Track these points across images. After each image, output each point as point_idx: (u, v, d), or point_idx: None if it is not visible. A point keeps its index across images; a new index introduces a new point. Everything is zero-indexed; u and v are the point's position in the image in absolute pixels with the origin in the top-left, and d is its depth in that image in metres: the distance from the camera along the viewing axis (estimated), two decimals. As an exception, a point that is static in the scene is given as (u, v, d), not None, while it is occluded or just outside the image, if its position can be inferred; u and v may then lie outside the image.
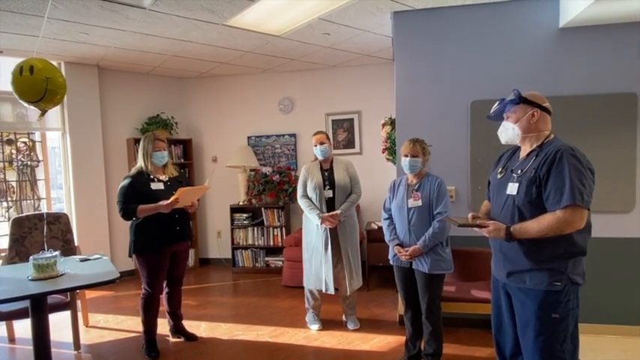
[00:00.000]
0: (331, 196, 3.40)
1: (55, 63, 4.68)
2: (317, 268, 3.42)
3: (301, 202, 3.46)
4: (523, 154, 1.97)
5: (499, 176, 2.04)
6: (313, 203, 3.41)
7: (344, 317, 3.64)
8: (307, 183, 3.45)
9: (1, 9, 3.11)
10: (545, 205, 1.80)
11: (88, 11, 3.23)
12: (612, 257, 3.19)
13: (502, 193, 1.96)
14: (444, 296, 2.83)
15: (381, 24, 3.73)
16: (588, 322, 3.16)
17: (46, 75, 2.64)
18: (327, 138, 3.46)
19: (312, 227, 3.44)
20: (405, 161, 2.73)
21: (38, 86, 2.61)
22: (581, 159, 1.78)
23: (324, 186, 3.41)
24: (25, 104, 2.73)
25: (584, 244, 1.83)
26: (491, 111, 2.03)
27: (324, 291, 3.42)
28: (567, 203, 1.72)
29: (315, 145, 3.44)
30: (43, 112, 2.76)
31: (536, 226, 1.79)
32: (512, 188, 1.90)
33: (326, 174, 3.46)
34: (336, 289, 3.41)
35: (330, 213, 3.35)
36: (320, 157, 3.47)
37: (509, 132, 1.98)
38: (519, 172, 1.91)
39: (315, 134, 3.49)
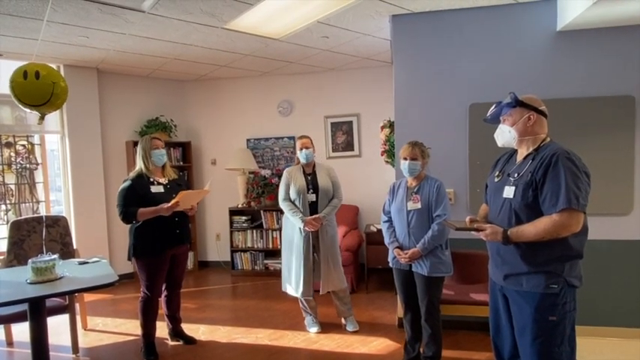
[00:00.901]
0: (314, 200, 3.42)
1: (54, 66, 4.73)
2: (296, 272, 3.43)
3: (284, 204, 3.46)
4: (520, 157, 1.98)
5: (496, 179, 2.05)
6: (296, 206, 3.42)
7: (343, 320, 3.64)
8: (290, 186, 3.46)
9: (1, 12, 3.12)
10: (542, 208, 1.81)
11: (88, 14, 3.23)
12: (611, 259, 3.20)
13: (499, 197, 1.97)
14: (443, 299, 2.83)
15: (380, 27, 3.75)
16: (587, 325, 3.16)
17: (53, 80, 2.68)
18: (311, 142, 3.50)
19: (294, 231, 3.44)
20: (404, 164, 2.73)
21: (44, 90, 2.65)
22: (576, 162, 1.79)
23: (308, 190, 3.43)
24: (26, 108, 2.75)
25: (580, 247, 1.84)
26: (488, 114, 2.05)
27: (300, 297, 3.45)
28: (563, 207, 1.73)
29: (301, 149, 3.46)
30: (43, 116, 2.79)
31: (532, 229, 1.79)
32: (509, 192, 1.91)
33: (309, 178, 3.48)
34: (316, 291, 3.45)
35: (313, 216, 3.37)
36: (304, 161, 3.48)
37: (505, 135, 1.98)
38: (516, 175, 1.92)
39: (299, 138, 3.52)
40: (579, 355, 1.91)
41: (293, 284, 3.47)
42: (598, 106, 3.16)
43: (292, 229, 3.46)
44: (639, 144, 3.13)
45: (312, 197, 3.42)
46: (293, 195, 3.44)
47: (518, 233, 1.83)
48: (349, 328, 3.55)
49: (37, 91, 2.64)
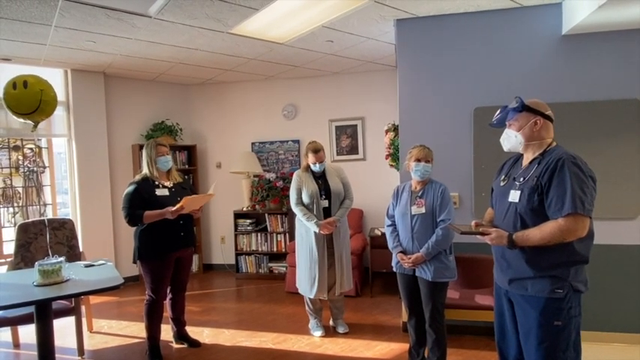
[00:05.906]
0: (327, 205, 3.42)
1: (61, 70, 4.79)
2: (311, 273, 3.41)
3: (297, 209, 3.43)
4: (525, 161, 1.98)
5: (502, 184, 2.04)
6: (309, 210, 3.41)
7: (331, 322, 3.66)
8: (302, 191, 3.43)
9: (9, 18, 3.16)
10: (547, 213, 1.80)
11: (95, 20, 3.27)
12: (617, 264, 3.17)
13: (505, 201, 1.97)
14: (447, 303, 2.81)
15: (384, 31, 3.76)
16: (593, 330, 3.14)
17: (40, 87, 2.77)
18: (323, 151, 3.44)
19: (309, 234, 3.42)
20: (418, 166, 2.69)
21: (33, 98, 2.76)
22: (582, 167, 1.78)
23: (320, 195, 3.42)
24: (20, 119, 2.85)
25: (586, 251, 1.83)
26: (494, 118, 2.04)
27: (312, 297, 3.44)
28: (569, 211, 1.72)
29: (314, 163, 3.39)
30: (36, 125, 2.89)
31: (538, 233, 1.79)
32: (515, 196, 1.90)
33: (320, 182, 3.46)
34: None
35: (327, 220, 3.37)
36: (316, 170, 3.45)
37: (511, 139, 1.98)
38: (521, 180, 1.91)
39: (313, 151, 3.38)
40: (585, 361, 1.89)
41: (307, 285, 3.44)
42: (603, 110, 3.14)
43: (307, 230, 3.44)
44: (646, 148, 3.11)
45: (324, 203, 3.41)
46: (306, 199, 3.41)
47: (524, 237, 1.82)
48: (340, 330, 3.57)
49: (27, 99, 2.75)
